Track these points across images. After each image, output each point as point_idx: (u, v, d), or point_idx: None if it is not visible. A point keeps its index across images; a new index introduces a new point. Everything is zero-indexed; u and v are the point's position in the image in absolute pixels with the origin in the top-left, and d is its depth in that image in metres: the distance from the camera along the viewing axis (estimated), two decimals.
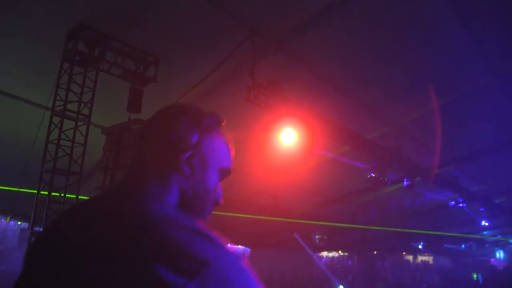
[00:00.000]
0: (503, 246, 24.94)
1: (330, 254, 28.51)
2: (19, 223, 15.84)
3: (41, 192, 6.96)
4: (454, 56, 7.76)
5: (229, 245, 1.08)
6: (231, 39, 6.53)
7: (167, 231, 1.05)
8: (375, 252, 26.87)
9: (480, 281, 19.13)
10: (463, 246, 24.53)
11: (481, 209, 15.03)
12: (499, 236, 21.90)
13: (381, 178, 9.89)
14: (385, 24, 6.84)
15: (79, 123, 7.02)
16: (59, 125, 6.84)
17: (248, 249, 19.69)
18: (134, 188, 1.20)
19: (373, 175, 9.96)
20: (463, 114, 9.60)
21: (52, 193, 6.86)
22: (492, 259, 27.19)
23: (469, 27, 6.93)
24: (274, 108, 6.72)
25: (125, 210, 1.13)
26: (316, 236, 18.70)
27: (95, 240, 1.07)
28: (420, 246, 23.53)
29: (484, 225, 18.16)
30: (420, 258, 30.30)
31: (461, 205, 13.88)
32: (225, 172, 1.34)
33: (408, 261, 29.82)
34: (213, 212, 1.33)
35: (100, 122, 7.86)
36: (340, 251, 28.03)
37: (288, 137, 7.12)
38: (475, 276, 21.11)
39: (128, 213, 1.12)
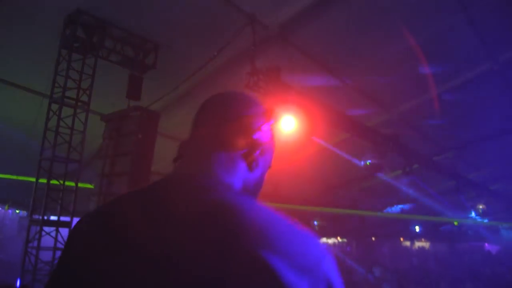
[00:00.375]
0: (497, 231, 25.11)
1: (330, 241, 28.69)
2: (17, 211, 15.82)
3: (40, 180, 6.95)
4: (454, 44, 7.75)
5: None
6: (231, 26, 6.49)
7: (277, 223, 1.03)
8: (373, 239, 27.04)
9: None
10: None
11: (477, 195, 15.17)
12: (493, 221, 22.06)
13: (380, 165, 9.91)
14: (385, 10, 6.82)
15: (78, 110, 6.99)
16: (57, 113, 6.82)
17: None
18: (202, 174, 1.14)
19: (371, 162, 9.97)
20: (462, 102, 9.62)
21: (51, 181, 6.85)
22: (486, 244, 27.43)
23: (468, 15, 6.91)
24: (273, 94, 6.70)
25: (213, 202, 1.05)
26: (315, 223, 18.78)
27: (182, 234, 0.99)
28: (417, 228, 23.65)
29: (479, 210, 18.35)
30: (417, 244, 30.52)
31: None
32: (270, 167, 1.34)
33: (406, 247, 30.02)
34: None
35: (99, 109, 7.83)
36: (339, 238, 28.19)
37: (288, 124, 7.10)
38: None
39: (220, 205, 1.04)
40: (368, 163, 9.93)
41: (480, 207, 18.98)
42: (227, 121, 1.22)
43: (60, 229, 6.86)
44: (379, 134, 9.32)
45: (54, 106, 6.89)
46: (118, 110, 7.53)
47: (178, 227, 0.98)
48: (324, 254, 0.99)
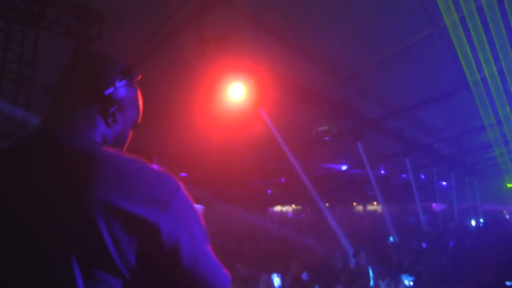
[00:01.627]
0: (444, 191, 26.30)
1: (284, 208, 29.21)
2: None
3: None
4: (398, 9, 7.94)
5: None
6: None
7: (123, 164, 1.12)
8: (327, 204, 27.76)
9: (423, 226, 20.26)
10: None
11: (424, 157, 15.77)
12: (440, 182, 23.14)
13: (330, 131, 10.14)
14: None
15: (20, 84, 6.76)
16: None
17: (201, 206, 19.88)
18: (66, 132, 1.21)
19: (321, 128, 10.17)
20: (407, 66, 9.91)
21: None
22: (434, 204, 28.76)
23: None
24: (221, 62, 6.70)
25: (66, 151, 1.13)
26: (269, 191, 19.07)
27: (43, 183, 1.05)
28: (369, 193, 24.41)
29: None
30: (370, 207, 31.58)
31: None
32: (136, 125, 1.44)
33: (358, 211, 31.01)
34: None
35: (44, 82, 7.59)
36: (293, 205, 28.74)
37: (237, 92, 7.15)
38: None
39: (71, 152, 1.12)
40: (318, 129, 10.14)
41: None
42: (82, 79, 1.31)
43: None
44: (329, 100, 9.52)
45: None
46: None
47: (33, 187, 1.06)
48: (176, 188, 1.13)
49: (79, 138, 1.19)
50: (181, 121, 8.54)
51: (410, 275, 10.12)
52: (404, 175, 20.56)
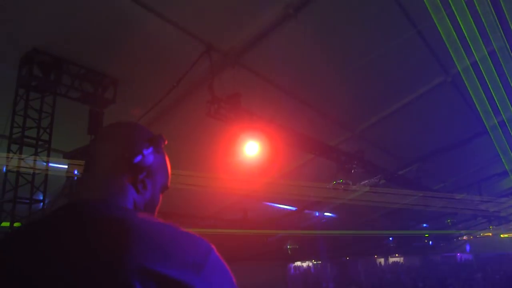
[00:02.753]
0: (468, 240, 25.58)
1: (304, 264, 28.59)
2: None
3: (2, 224, 6.75)
4: (408, 58, 8.03)
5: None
6: (188, 56, 6.57)
7: (156, 228, 1.13)
8: (347, 258, 27.11)
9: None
10: (430, 242, 25.04)
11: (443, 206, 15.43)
12: (462, 231, 22.51)
13: (347, 184, 10.05)
14: (338, 31, 7.04)
15: (39, 150, 6.88)
16: (17, 153, 6.69)
17: None
18: (98, 202, 1.22)
19: (339, 181, 10.10)
20: (420, 115, 9.91)
21: (15, 223, 6.67)
22: (458, 254, 27.89)
23: (419, 29, 7.21)
24: (235, 121, 6.77)
25: (103, 222, 1.14)
26: (288, 246, 18.72)
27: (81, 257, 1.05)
28: (390, 239, 23.86)
29: (448, 222, 18.71)
30: (391, 259, 30.74)
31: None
32: (166, 188, 1.45)
33: (380, 263, 30.20)
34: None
35: (61, 147, 7.72)
36: (313, 260, 28.12)
37: (252, 149, 7.18)
38: None
39: (105, 221, 1.14)
40: (335, 182, 10.06)
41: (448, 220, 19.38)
42: (111, 149, 1.33)
43: None
44: (343, 153, 9.48)
45: (14, 147, 6.76)
46: (80, 146, 7.45)
47: (69, 258, 1.06)
48: (208, 250, 1.14)
49: (112, 207, 1.20)
50: (195, 178, 8.55)
51: None
52: (425, 225, 20.13)
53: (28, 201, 6.79)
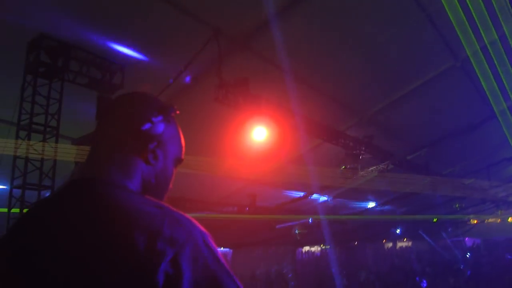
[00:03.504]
0: (476, 225, 25.49)
1: (312, 249, 28.68)
2: None
3: (12, 210, 6.80)
4: (417, 43, 7.93)
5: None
6: (196, 41, 6.52)
7: (150, 213, 1.09)
8: (355, 243, 27.17)
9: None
10: (444, 234, 25.09)
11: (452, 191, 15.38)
12: (470, 215, 22.42)
13: (355, 169, 10.01)
14: (347, 17, 6.96)
15: (47, 136, 6.89)
16: (26, 139, 6.71)
17: (229, 250, 19.67)
18: (97, 180, 1.19)
19: (347, 166, 10.06)
20: (429, 100, 9.81)
21: (24, 210, 6.71)
22: (467, 238, 27.86)
23: (428, 13, 7.10)
24: (243, 106, 6.73)
25: (96, 206, 1.11)
26: (296, 231, 18.77)
27: (81, 236, 1.05)
28: (398, 231, 23.87)
29: (456, 206, 18.65)
30: (399, 244, 30.76)
31: None
32: (179, 161, 1.39)
33: (388, 248, 30.23)
34: (194, 215, 1.37)
35: (69, 133, 7.74)
36: (322, 245, 28.21)
37: (260, 134, 7.15)
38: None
39: (104, 204, 1.11)
40: (343, 168, 10.03)
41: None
42: (118, 121, 1.27)
43: None
44: (351, 138, 9.43)
45: (22, 133, 6.77)
46: (89, 132, 7.45)
47: (69, 240, 1.05)
48: (194, 230, 1.10)
49: (114, 187, 1.17)
50: (204, 163, 8.55)
51: None
52: (433, 211, 20.08)
53: (37, 187, 6.83)
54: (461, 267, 18.33)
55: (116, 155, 1.22)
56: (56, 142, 6.94)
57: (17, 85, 6.64)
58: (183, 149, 1.40)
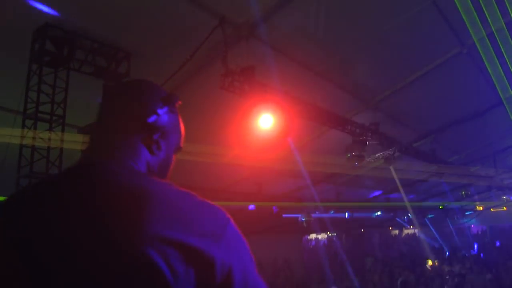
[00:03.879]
0: (481, 212, 25.49)
1: (319, 236, 28.77)
2: None
3: None
4: (424, 29, 7.86)
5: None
6: (201, 29, 6.49)
7: (174, 196, 1.11)
8: (362, 230, 27.22)
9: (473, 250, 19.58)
10: (450, 221, 25.10)
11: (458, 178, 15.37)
12: (476, 202, 22.43)
13: (361, 156, 9.99)
14: (353, 4, 6.90)
15: (53, 125, 6.90)
16: (32, 128, 6.72)
17: None
18: (111, 163, 1.19)
19: (353, 154, 10.04)
20: (435, 87, 9.75)
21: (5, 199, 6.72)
22: (472, 225, 27.89)
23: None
24: (249, 94, 6.71)
25: (113, 184, 1.11)
26: (303, 219, 18.83)
27: (94, 218, 1.03)
28: (405, 218, 23.91)
29: (462, 194, 18.66)
30: (406, 231, 30.81)
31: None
32: (179, 149, 1.41)
33: (394, 235, 30.29)
34: None
35: (76, 122, 7.75)
36: (328, 232, 28.28)
37: (266, 122, 7.14)
38: None
39: (118, 185, 1.10)
40: (349, 155, 10.01)
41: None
42: (124, 108, 1.28)
43: None
44: (358, 125, 9.40)
45: (29, 122, 6.78)
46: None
47: (81, 222, 1.03)
48: (227, 220, 1.15)
49: (125, 169, 1.17)
50: (210, 151, 8.56)
51: None
52: (439, 199, 20.08)
53: (44, 176, 6.85)
54: (467, 254, 18.36)
55: (122, 142, 1.23)
56: (63, 131, 6.95)
57: (23, 74, 6.64)
58: (183, 137, 1.42)
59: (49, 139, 6.81)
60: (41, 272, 1.00)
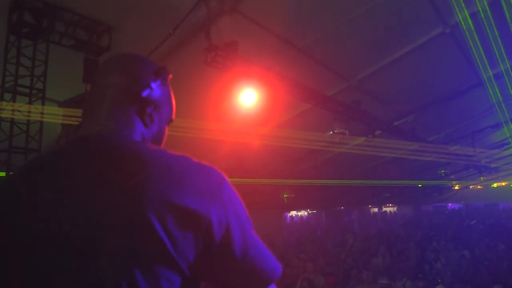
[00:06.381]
0: (458, 191, 26.02)
1: (299, 213, 29.09)
2: None
3: None
4: (407, 8, 7.87)
5: None
6: (185, 3, 6.40)
7: (169, 159, 1.16)
8: (342, 208, 27.60)
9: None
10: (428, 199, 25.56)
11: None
12: (454, 181, 22.87)
13: (343, 134, 10.07)
14: None
15: (33, 99, 6.80)
16: (11, 102, 6.61)
17: None
18: (110, 134, 1.23)
19: (335, 131, 10.11)
20: (417, 66, 9.83)
21: (11, 173, 6.66)
22: (450, 204, 28.50)
23: None
24: (232, 69, 6.68)
25: (116, 152, 1.16)
26: (284, 195, 19.00)
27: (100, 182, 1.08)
28: (385, 196, 24.27)
29: (441, 172, 18.99)
30: (385, 209, 31.36)
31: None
32: (171, 121, 1.47)
33: (374, 213, 30.81)
34: None
35: (56, 96, 7.64)
36: (308, 209, 28.60)
37: (248, 98, 7.14)
38: None
39: (118, 153, 1.16)
40: (331, 132, 10.08)
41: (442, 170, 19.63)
42: (117, 82, 1.31)
43: None
44: (340, 103, 9.45)
45: (7, 96, 6.67)
46: (76, 95, 7.37)
47: (84, 190, 1.08)
48: (222, 179, 1.20)
49: (125, 139, 1.22)
50: (192, 126, 8.54)
51: (428, 275, 10.02)
52: (418, 177, 20.39)
53: (23, 150, 6.78)
54: (444, 230, 18.77)
55: (118, 116, 1.26)
56: (43, 105, 6.85)
57: (0, 46, 6.49)
58: (174, 109, 1.45)
59: (29, 112, 6.72)
60: (58, 233, 1.04)
